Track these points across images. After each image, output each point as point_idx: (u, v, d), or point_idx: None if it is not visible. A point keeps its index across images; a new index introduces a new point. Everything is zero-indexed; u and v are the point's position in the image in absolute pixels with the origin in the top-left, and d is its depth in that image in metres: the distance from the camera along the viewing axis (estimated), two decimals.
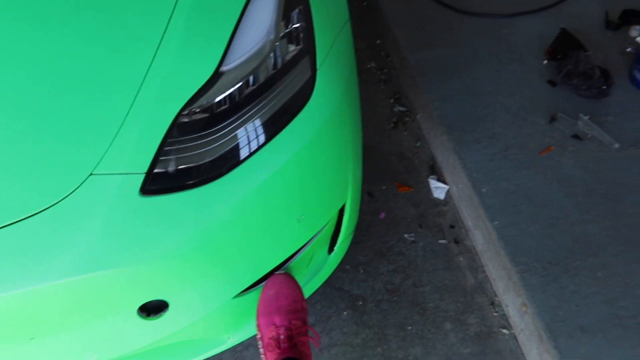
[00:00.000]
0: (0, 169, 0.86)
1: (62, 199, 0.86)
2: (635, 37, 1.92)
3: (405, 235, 1.63)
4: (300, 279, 1.20)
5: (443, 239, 1.62)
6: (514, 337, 1.38)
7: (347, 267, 1.56)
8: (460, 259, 1.56)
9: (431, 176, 1.78)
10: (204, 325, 1.08)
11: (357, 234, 1.50)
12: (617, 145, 1.59)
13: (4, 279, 0.84)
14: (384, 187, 1.76)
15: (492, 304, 1.46)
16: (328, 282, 1.45)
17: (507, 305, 1.41)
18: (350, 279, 1.54)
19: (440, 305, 1.46)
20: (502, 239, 1.40)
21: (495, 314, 1.44)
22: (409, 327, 1.42)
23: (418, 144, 1.90)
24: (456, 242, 1.61)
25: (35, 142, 0.88)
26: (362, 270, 1.55)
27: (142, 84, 0.91)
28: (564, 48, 1.85)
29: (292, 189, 1.02)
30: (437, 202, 1.72)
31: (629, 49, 1.90)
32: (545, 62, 1.90)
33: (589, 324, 1.22)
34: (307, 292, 1.24)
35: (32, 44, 0.93)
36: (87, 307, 0.93)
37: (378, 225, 1.66)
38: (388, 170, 1.81)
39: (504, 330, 1.40)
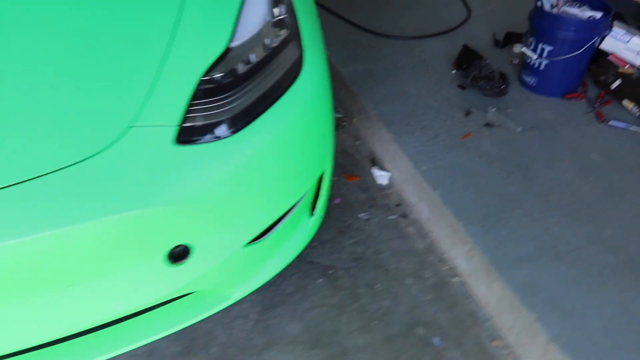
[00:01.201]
0: (53, 121, 0.96)
1: (107, 147, 0.97)
2: (517, 52, 2.39)
3: (360, 215, 1.86)
4: (288, 239, 1.36)
5: (392, 215, 1.86)
6: (463, 284, 1.64)
7: (315, 244, 1.74)
8: (409, 229, 1.82)
9: (373, 167, 2.04)
10: (216, 276, 1.20)
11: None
12: (519, 129, 1.98)
13: (50, 217, 0.92)
14: (334, 179, 1.98)
15: (441, 260, 1.71)
16: (300, 258, 1.62)
17: (454, 258, 1.67)
18: (319, 254, 1.71)
19: (400, 266, 1.69)
20: (446, 202, 1.68)
21: (445, 267, 1.69)
22: (377, 285, 1.63)
23: (357, 143, 2.17)
24: (404, 216, 1.86)
25: (81, 99, 1.00)
26: (328, 246, 1.74)
27: (167, 58, 1.07)
28: (467, 59, 2.26)
29: (292, 149, 1.21)
30: (382, 187, 1.97)
31: (515, 61, 2.36)
32: (453, 71, 2.30)
33: (524, 255, 1.52)
34: (295, 252, 1.41)
35: (73, 17, 1.06)
36: (121, 251, 1.02)
37: (335, 209, 1.87)
38: (335, 165, 2.04)
39: (455, 279, 1.66)
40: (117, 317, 1.12)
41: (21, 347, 1.05)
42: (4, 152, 0.93)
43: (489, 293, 1.53)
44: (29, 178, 0.92)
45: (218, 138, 1.08)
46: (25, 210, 0.91)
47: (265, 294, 1.59)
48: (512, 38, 2.48)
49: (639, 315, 1.38)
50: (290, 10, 1.28)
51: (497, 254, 1.52)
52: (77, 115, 0.99)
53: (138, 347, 1.32)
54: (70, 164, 0.95)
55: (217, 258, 1.16)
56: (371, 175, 2.02)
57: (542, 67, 2.08)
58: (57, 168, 0.94)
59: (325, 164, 1.39)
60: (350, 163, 2.07)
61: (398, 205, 1.90)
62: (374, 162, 2.08)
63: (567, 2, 2.02)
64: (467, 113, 2.06)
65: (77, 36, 1.05)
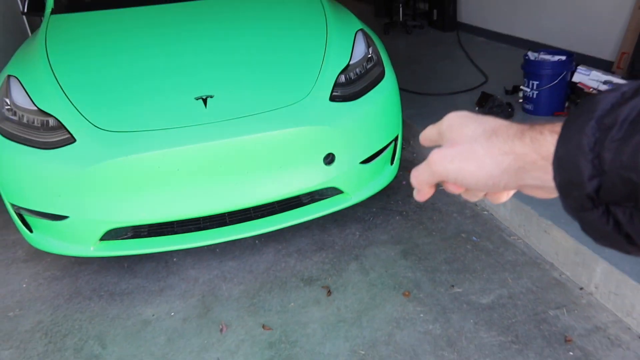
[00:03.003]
0: (275, 89, 2.11)
1: (301, 100, 2.09)
2: (520, 95, 3.47)
3: None
4: (380, 174, 2.38)
5: (440, 186, 2.84)
6: (491, 214, 2.55)
7: (392, 200, 2.72)
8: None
9: None
10: (346, 179, 2.21)
11: (393, 190, 2.71)
12: None
13: (268, 126, 2.01)
14: (400, 173, 3.01)
15: (475, 204, 2.64)
16: (383, 207, 2.62)
17: (483, 200, 2.60)
18: (395, 204, 2.69)
19: (449, 209, 2.63)
20: None
21: (478, 207, 2.62)
22: (435, 217, 2.57)
23: (414, 155, 3.21)
24: None
25: (287, 80, 2.15)
26: (400, 201, 2.72)
27: (322, 65, 2.23)
28: (485, 99, 3.35)
29: (384, 111, 2.29)
30: None
31: (520, 100, 3.43)
32: (476, 108, 3.38)
33: None
34: (383, 183, 2.40)
35: (273, 44, 2.27)
36: (302, 150, 2.08)
37: (404, 187, 2.87)
38: (402, 164, 3.08)
39: (484, 212, 2.57)
40: (287, 199, 2.14)
41: (217, 211, 2.06)
42: (249, 100, 2.07)
43: (506, 212, 2.44)
44: (264, 111, 2.04)
45: (346, 100, 2.18)
46: (256, 124, 2.01)
47: (363, 223, 2.56)
48: (517, 88, 3.57)
49: None
50: (376, 50, 2.44)
51: None
52: (286, 87, 2.13)
53: (290, 245, 2.31)
54: (287, 105, 2.07)
55: (348, 166, 2.19)
56: None
57: (534, 96, 3.14)
58: (280, 107, 2.06)
59: (398, 130, 2.44)
60: (411, 164, 3.10)
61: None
62: None
63: (543, 52, 3.13)
64: None
65: (278, 54, 2.24)
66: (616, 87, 0.35)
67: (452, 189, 0.47)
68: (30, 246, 2.60)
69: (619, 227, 0.34)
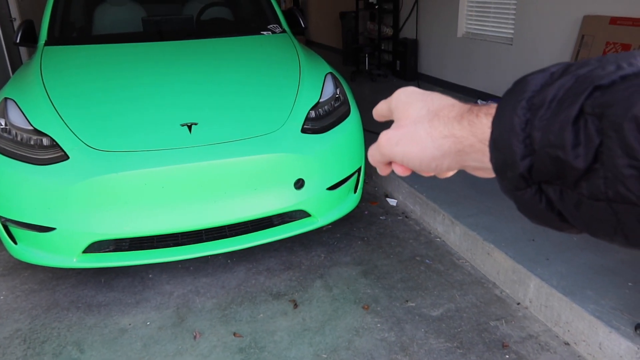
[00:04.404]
0: (249, 120, 2.36)
1: (275, 130, 2.35)
2: None
3: (381, 217, 3.11)
4: (343, 201, 2.63)
5: (399, 216, 3.12)
6: (443, 241, 2.82)
7: (355, 227, 2.97)
8: (409, 221, 3.05)
9: (387, 198, 3.35)
10: (312, 203, 2.45)
11: (355, 218, 2.97)
12: None
13: (242, 152, 2.25)
14: (362, 204, 3.27)
15: (429, 232, 2.92)
16: (346, 233, 2.86)
17: (436, 228, 2.88)
18: (357, 231, 2.94)
19: (405, 235, 2.90)
20: (429, 198, 2.95)
21: (431, 235, 2.89)
22: (393, 243, 2.82)
23: (376, 188, 3.50)
24: (406, 217, 3.11)
25: (261, 113, 2.41)
26: (363, 228, 2.97)
27: (295, 101, 2.51)
28: None
29: (349, 144, 2.57)
30: (392, 206, 3.25)
31: None
32: None
33: (473, 213, 2.74)
34: (347, 209, 2.65)
35: (250, 79, 2.54)
36: (273, 175, 2.32)
37: (366, 216, 3.13)
38: (364, 197, 3.35)
39: (437, 239, 2.85)
40: (258, 219, 2.36)
41: (195, 227, 2.27)
42: (229, 128, 2.31)
43: (456, 238, 2.72)
44: (243, 138, 2.29)
45: (315, 132, 2.46)
46: (234, 149, 2.25)
47: (328, 247, 2.79)
48: None
49: None
50: (343, 91, 2.75)
51: (458, 215, 2.75)
52: (263, 118, 2.39)
53: (260, 264, 2.52)
54: (263, 134, 2.32)
55: (316, 191, 2.43)
56: (386, 201, 3.31)
57: None
58: (257, 135, 2.31)
59: (361, 162, 2.71)
60: (373, 197, 3.38)
61: (403, 213, 3.17)
62: (386, 196, 3.39)
63: (491, 101, 3.52)
64: None
65: (256, 89, 2.51)
66: (546, 68, 0.37)
67: (399, 170, 0.48)
68: (7, 261, 2.70)
69: (551, 205, 0.35)
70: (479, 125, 0.39)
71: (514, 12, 4.75)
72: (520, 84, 0.36)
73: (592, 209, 0.33)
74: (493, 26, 5.11)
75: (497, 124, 0.36)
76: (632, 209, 0.30)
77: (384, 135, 0.47)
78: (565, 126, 0.32)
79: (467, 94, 5.44)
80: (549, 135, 0.33)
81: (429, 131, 0.43)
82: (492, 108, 0.38)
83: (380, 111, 0.51)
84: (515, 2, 4.71)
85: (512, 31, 4.80)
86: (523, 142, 0.34)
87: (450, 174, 0.47)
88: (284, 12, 3.61)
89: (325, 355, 2.01)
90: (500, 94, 4.74)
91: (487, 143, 0.38)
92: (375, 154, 0.48)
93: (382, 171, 0.51)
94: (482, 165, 0.40)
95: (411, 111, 0.45)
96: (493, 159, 0.37)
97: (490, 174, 0.40)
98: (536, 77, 0.36)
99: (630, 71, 0.32)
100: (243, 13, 3.93)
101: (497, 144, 0.36)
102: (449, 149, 0.41)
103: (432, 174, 0.46)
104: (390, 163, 0.49)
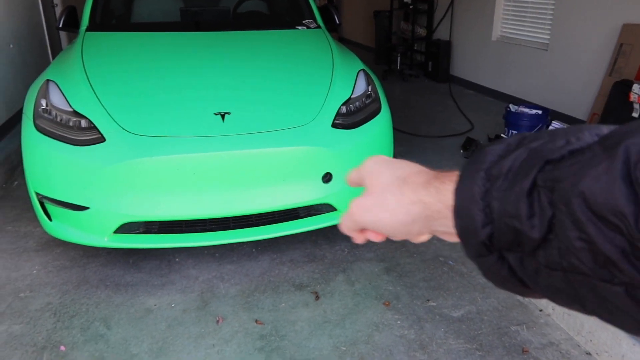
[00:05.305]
0: (284, 112, 2.39)
1: (306, 123, 2.38)
2: None
3: None
4: None
5: None
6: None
7: None
8: None
9: None
10: (338, 198, 2.47)
11: None
12: None
13: (275, 143, 2.28)
14: None
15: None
16: None
17: None
18: None
19: (430, 239, 2.89)
20: None
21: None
22: (415, 243, 2.82)
23: None
24: None
25: (297, 106, 2.44)
26: None
27: (327, 97, 2.53)
28: (469, 143, 3.68)
29: (378, 141, 2.58)
30: None
31: None
32: (461, 151, 3.70)
33: None
34: None
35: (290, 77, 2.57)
36: (303, 167, 2.34)
37: None
38: None
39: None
40: (285, 210, 2.39)
41: (223, 214, 2.30)
42: (261, 119, 2.35)
43: None
44: (274, 130, 2.32)
45: (346, 128, 2.47)
46: (266, 140, 2.28)
47: (351, 242, 2.80)
48: (499, 136, 3.91)
49: None
50: (374, 89, 2.76)
51: None
52: (295, 111, 2.42)
53: (284, 255, 2.55)
54: (294, 126, 2.35)
55: (343, 186, 2.45)
56: None
57: None
58: (288, 127, 2.34)
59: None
60: None
61: None
62: None
63: (523, 106, 3.49)
64: None
65: (289, 82, 2.54)
66: (503, 139, 0.39)
67: (373, 237, 0.49)
68: (41, 237, 2.80)
69: (513, 272, 0.36)
70: (444, 192, 0.40)
71: (551, 16, 4.68)
72: (480, 154, 0.38)
73: (549, 277, 0.34)
74: (529, 30, 5.04)
75: (459, 192, 0.37)
76: (585, 279, 0.31)
77: (355, 204, 0.48)
78: (520, 197, 0.33)
79: (499, 98, 5.38)
80: (506, 205, 0.34)
81: (398, 198, 0.44)
82: (457, 175, 0.39)
83: (352, 179, 0.53)
84: (553, 6, 4.64)
85: (548, 36, 4.73)
86: (483, 211, 0.35)
87: (423, 238, 0.48)
88: (319, 8, 3.64)
89: (344, 348, 2.03)
90: (533, 100, 4.69)
91: (452, 210, 0.39)
92: (348, 222, 0.50)
93: (357, 239, 0.52)
94: (449, 230, 0.40)
95: (381, 179, 0.47)
96: (456, 225, 0.38)
97: (457, 238, 0.41)
98: (494, 148, 0.37)
99: (577, 146, 0.33)
100: (279, 7, 3.97)
101: (460, 212, 0.37)
102: (418, 214, 0.42)
103: (404, 238, 0.47)
104: (363, 230, 0.50)
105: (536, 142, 0.35)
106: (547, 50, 4.71)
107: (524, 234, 0.33)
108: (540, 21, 4.86)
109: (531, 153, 0.35)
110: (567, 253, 0.32)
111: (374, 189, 0.47)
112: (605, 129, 0.34)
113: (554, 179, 0.32)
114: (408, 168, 0.46)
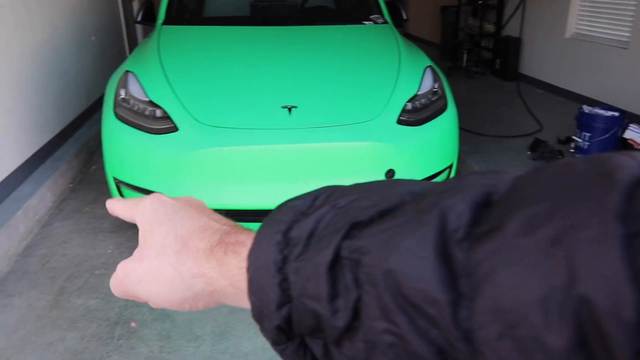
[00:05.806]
0: (350, 109, 2.41)
1: (371, 119, 2.38)
2: (572, 145, 3.64)
3: None
4: None
5: None
6: None
7: None
8: None
9: None
10: None
11: None
12: None
13: (340, 137, 2.30)
14: None
15: None
16: None
17: None
18: None
19: None
20: None
21: None
22: None
23: None
24: None
25: (363, 101, 2.45)
26: None
27: (393, 93, 2.52)
28: (537, 145, 3.55)
29: (443, 139, 2.55)
30: None
31: (571, 150, 3.61)
32: (528, 152, 3.58)
33: None
34: None
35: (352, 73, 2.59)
36: (367, 163, 2.35)
37: None
38: None
39: None
40: None
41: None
42: (327, 114, 2.37)
43: None
44: (340, 124, 2.34)
45: (411, 125, 2.46)
46: (332, 134, 2.30)
47: None
48: (569, 139, 3.75)
49: None
50: (441, 86, 2.72)
51: None
52: (360, 106, 2.43)
53: None
54: (359, 122, 2.36)
55: None
56: None
57: (586, 147, 3.31)
58: (354, 122, 2.36)
59: (454, 158, 2.68)
60: None
61: None
62: None
63: (597, 107, 3.32)
64: None
65: (355, 78, 2.56)
66: (313, 191, 0.30)
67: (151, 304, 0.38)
68: (116, 219, 2.97)
69: None
70: (227, 265, 0.31)
71: (632, 12, 4.41)
72: (281, 210, 0.30)
73: None
74: (606, 27, 4.78)
75: (253, 260, 0.29)
76: None
77: (122, 270, 0.37)
78: (320, 272, 0.25)
79: (571, 99, 5.14)
80: (305, 281, 0.26)
81: (176, 267, 0.34)
82: (249, 238, 0.31)
83: (117, 210, 0.41)
84: (635, 1, 4.37)
85: (628, 34, 4.46)
86: (280, 286, 0.27)
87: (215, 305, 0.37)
88: (386, 4, 3.62)
89: None
90: (609, 101, 4.45)
91: (239, 287, 0.31)
92: (116, 288, 0.38)
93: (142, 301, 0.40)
94: (247, 305, 0.31)
95: (157, 235, 0.36)
96: (251, 303, 0.29)
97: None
98: (297, 203, 0.30)
99: (388, 205, 0.26)
100: (346, 2, 3.98)
101: (253, 286, 0.29)
102: (202, 290, 0.33)
103: (187, 310, 0.37)
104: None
105: (345, 197, 0.28)
106: (626, 48, 4.45)
107: (325, 321, 0.26)
108: (619, 17, 4.59)
109: (338, 212, 0.27)
110: (374, 349, 0.25)
111: (147, 249, 0.36)
112: (426, 185, 0.27)
113: (359, 249, 0.25)
114: (190, 223, 0.35)
